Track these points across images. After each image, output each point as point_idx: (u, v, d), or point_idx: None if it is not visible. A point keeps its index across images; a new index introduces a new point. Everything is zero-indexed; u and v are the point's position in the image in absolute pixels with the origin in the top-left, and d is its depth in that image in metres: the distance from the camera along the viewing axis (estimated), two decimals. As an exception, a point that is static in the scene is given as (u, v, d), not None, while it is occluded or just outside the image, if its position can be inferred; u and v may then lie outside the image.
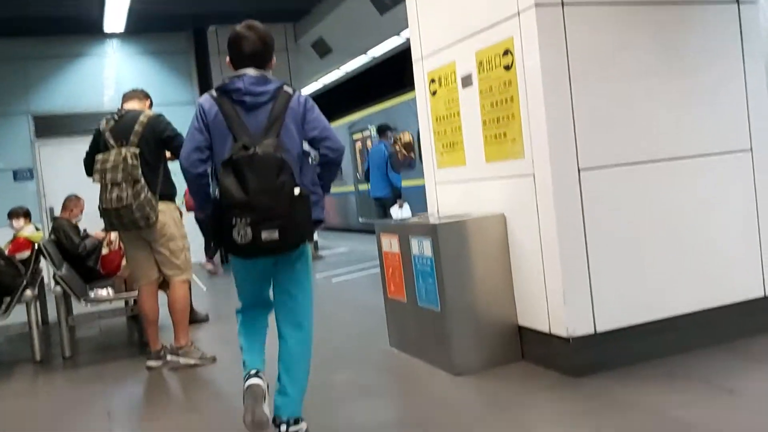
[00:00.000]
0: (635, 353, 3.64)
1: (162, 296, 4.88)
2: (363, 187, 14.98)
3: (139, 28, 10.44)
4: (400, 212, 9.41)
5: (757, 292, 3.98)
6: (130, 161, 4.33)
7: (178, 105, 10.80)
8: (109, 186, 4.35)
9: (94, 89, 10.84)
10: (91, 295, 5.51)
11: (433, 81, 4.51)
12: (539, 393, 3.45)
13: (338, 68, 14.55)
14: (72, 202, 6.56)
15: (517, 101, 3.71)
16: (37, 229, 7.59)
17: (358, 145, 15.56)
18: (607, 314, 3.60)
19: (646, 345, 3.67)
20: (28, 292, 5.18)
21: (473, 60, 4.04)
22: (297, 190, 2.76)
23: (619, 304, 3.64)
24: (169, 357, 4.67)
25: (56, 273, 5.28)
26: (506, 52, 3.75)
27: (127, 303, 5.88)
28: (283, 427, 2.93)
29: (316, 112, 2.98)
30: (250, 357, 3.01)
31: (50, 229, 6.49)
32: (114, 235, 6.08)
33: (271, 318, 3.13)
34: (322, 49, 12.68)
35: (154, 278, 4.71)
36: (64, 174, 9.57)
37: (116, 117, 4.58)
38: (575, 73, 3.57)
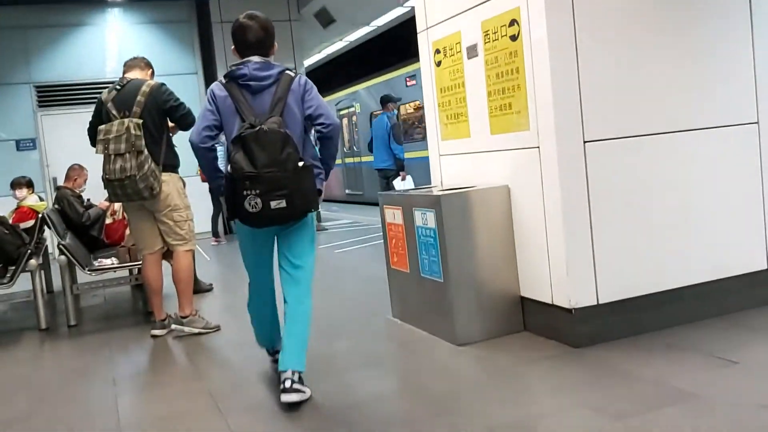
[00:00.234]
0: (638, 324, 3.66)
1: (166, 266, 4.91)
2: (349, 160, 16.14)
3: (141, -3, 10.39)
4: (402, 184, 9.40)
5: (760, 265, 3.99)
6: (133, 131, 4.32)
7: (181, 75, 10.78)
8: (113, 157, 4.34)
9: (96, 59, 10.79)
10: (95, 264, 5.54)
11: (438, 51, 4.47)
12: (541, 363, 3.48)
13: (341, 39, 14.56)
14: (75, 172, 6.56)
15: (523, 72, 3.68)
16: (41, 199, 7.60)
17: (345, 121, 16.48)
18: (610, 285, 3.61)
19: (649, 316, 3.69)
20: (33, 261, 5.20)
21: (479, 30, 4.00)
22: (301, 163, 3.03)
23: (622, 275, 3.65)
24: (173, 326, 4.70)
25: (60, 242, 5.30)
26: (513, 22, 3.71)
27: (131, 272, 5.91)
28: (288, 383, 3.08)
29: (314, 93, 3.25)
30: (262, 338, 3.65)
31: (54, 198, 6.50)
32: (118, 205, 6.10)
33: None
34: (325, 18, 12.56)
35: (157, 248, 4.73)
36: (67, 144, 9.57)
37: (118, 87, 4.55)
38: (582, 45, 3.53)
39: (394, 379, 3.60)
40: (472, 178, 4.23)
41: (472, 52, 4.09)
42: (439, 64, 4.48)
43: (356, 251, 8.14)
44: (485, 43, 3.96)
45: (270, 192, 2.96)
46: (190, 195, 4.87)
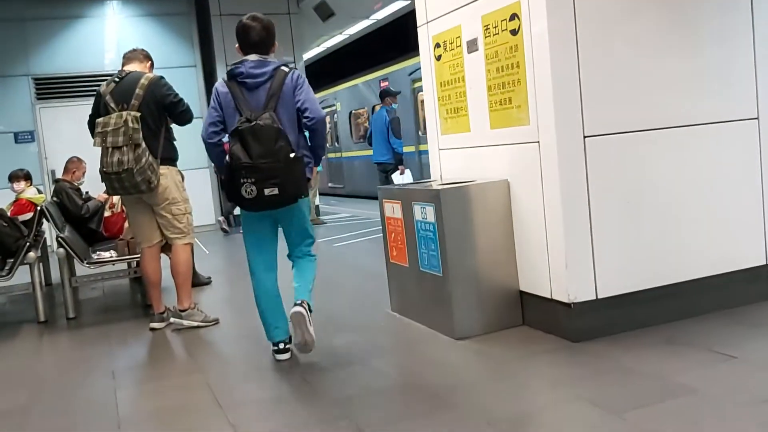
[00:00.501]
0: (637, 319, 3.66)
1: (165, 259, 4.90)
2: (332, 155, 17.84)
3: (140, -11, 10.34)
4: (401, 178, 9.41)
5: (759, 260, 3.99)
6: (131, 125, 4.30)
7: (179, 68, 10.74)
8: (110, 150, 4.32)
9: (94, 51, 10.74)
10: (94, 257, 5.53)
11: (438, 45, 4.46)
12: (540, 357, 3.48)
13: (341, 32, 14.57)
14: (74, 165, 6.55)
15: (524, 67, 3.67)
16: (39, 191, 7.58)
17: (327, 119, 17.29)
18: (609, 280, 3.62)
19: (648, 311, 3.69)
20: (31, 254, 5.19)
21: (479, 24, 3.98)
22: (292, 154, 3.35)
23: (621, 270, 3.65)
24: (172, 319, 4.70)
25: (59, 235, 5.29)
26: (513, 17, 3.70)
27: (129, 265, 5.90)
28: (298, 308, 3.50)
29: (305, 87, 3.53)
30: (271, 329, 3.76)
31: (52, 191, 6.49)
32: (116, 198, 6.08)
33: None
34: (324, 12, 12.52)
35: (156, 241, 4.72)
36: (66, 136, 9.56)
37: (117, 79, 4.53)
38: (583, 40, 3.53)
39: (392, 372, 3.60)
40: (472, 172, 4.22)
41: (472, 46, 4.08)
42: (439, 58, 4.47)
43: (355, 245, 8.14)
44: (485, 37, 3.95)
45: (264, 180, 3.30)
46: (188, 188, 4.86)
